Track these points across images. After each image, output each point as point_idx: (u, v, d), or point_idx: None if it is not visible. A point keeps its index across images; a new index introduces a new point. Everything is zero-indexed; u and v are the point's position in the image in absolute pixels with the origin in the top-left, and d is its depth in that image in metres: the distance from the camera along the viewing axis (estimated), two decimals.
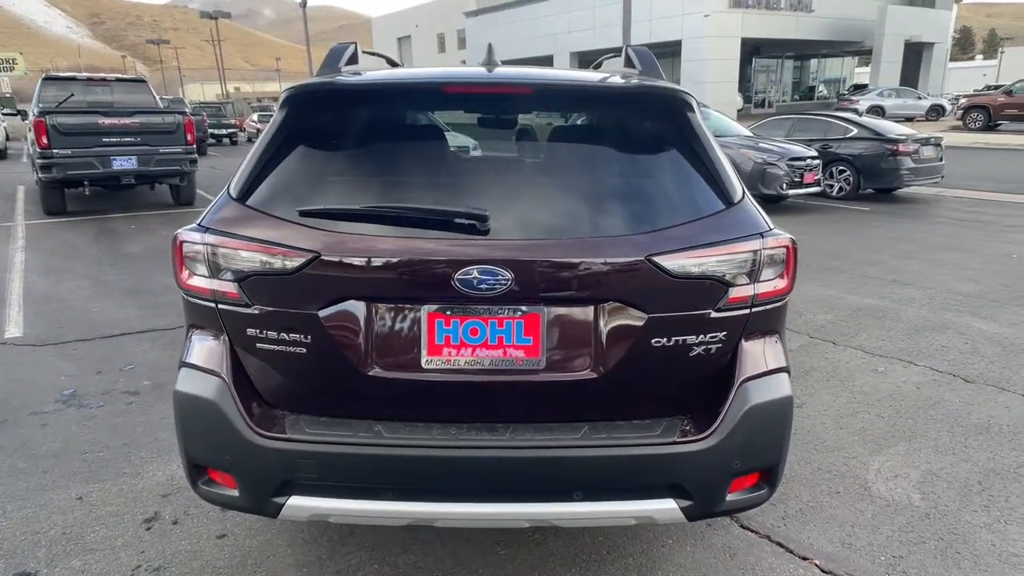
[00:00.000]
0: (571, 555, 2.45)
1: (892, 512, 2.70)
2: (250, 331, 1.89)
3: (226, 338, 1.93)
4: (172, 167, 10.11)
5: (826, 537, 2.55)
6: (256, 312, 1.87)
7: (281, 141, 2.01)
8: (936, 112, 27.53)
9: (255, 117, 33.00)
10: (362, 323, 1.86)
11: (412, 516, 1.89)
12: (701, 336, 1.92)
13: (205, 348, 1.95)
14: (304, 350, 1.87)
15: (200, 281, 1.92)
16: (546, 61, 40.84)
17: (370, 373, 1.88)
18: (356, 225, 1.85)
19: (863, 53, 40.08)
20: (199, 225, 1.95)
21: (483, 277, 1.79)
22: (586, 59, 39.57)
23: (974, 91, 29.98)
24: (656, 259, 1.83)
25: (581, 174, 2.04)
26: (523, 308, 1.86)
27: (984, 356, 4.30)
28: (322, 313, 1.84)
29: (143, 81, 12.85)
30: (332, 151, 2.06)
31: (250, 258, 1.85)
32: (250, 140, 28.87)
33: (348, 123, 2.07)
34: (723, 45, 29.56)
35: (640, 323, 1.86)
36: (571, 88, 2.16)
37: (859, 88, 35.70)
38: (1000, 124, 23.24)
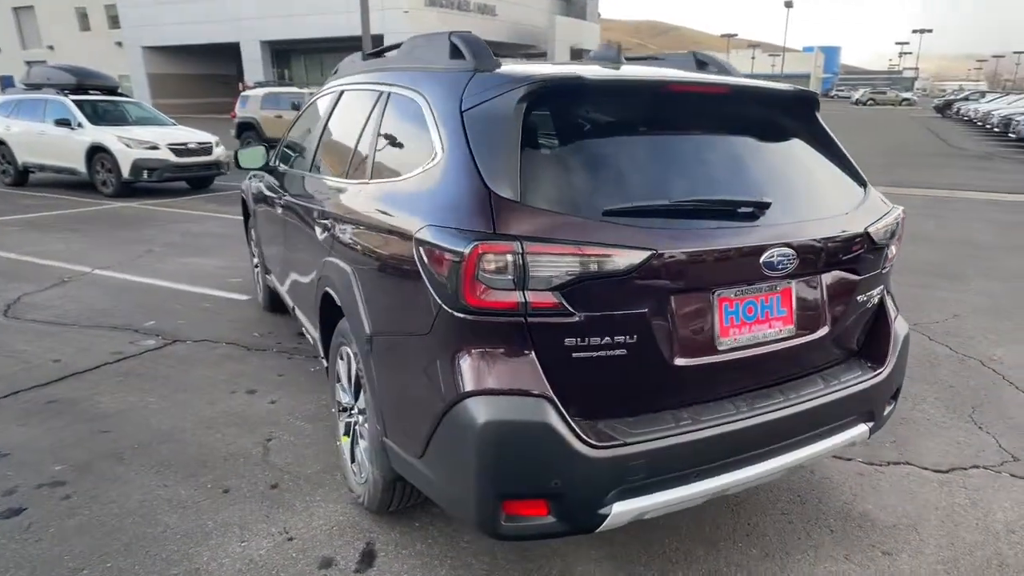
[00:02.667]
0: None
1: None
2: (568, 341, 1.78)
3: (534, 353, 1.77)
4: None
5: None
6: (579, 319, 1.77)
7: (533, 137, 1.89)
8: None
9: None
10: (672, 316, 1.89)
11: (715, 490, 2.00)
12: (875, 290, 2.36)
13: (509, 368, 1.77)
14: (625, 351, 1.84)
15: (497, 295, 1.73)
16: (230, 50, 37.65)
17: (677, 363, 1.92)
18: (663, 220, 1.87)
19: (539, 55, 45.07)
20: (481, 232, 1.74)
21: (780, 259, 1.97)
22: (280, 48, 37.50)
23: None
24: (869, 230, 2.21)
25: (787, 163, 2.30)
26: (782, 284, 2.07)
27: None
28: (647, 311, 1.83)
29: None
30: (589, 147, 2.00)
31: (577, 263, 1.74)
32: None
33: (595, 119, 2.02)
34: None
35: (854, 284, 2.23)
36: (756, 91, 2.37)
37: None
38: None
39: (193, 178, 11.98)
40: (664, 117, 2.13)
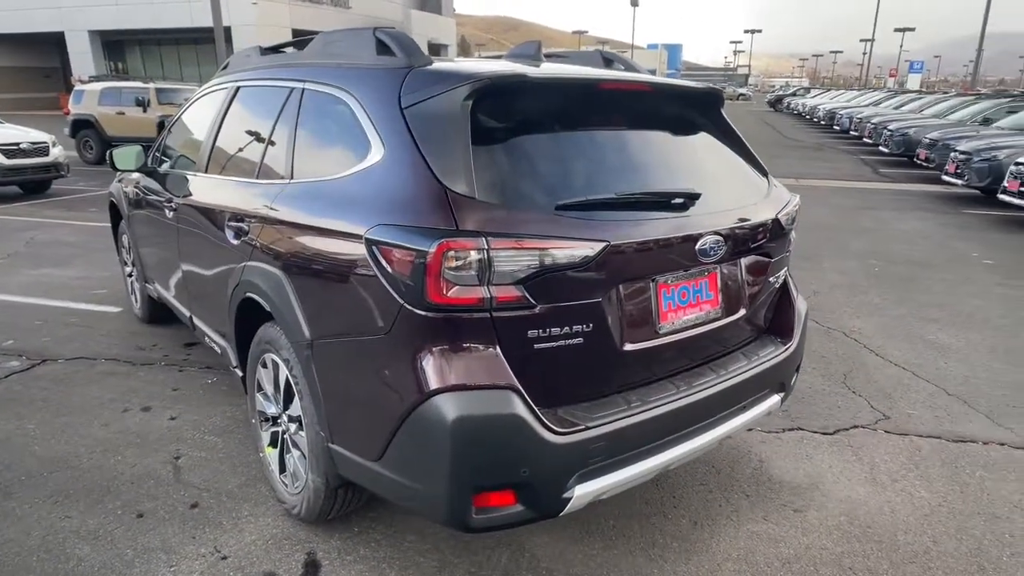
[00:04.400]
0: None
1: None
2: (531, 332, 1.83)
3: (499, 347, 1.81)
4: None
5: None
6: (539, 311, 1.82)
7: (480, 134, 1.92)
8: None
9: None
10: (620, 304, 2.00)
11: (662, 466, 2.13)
12: (781, 272, 2.62)
13: (476, 363, 1.79)
14: (581, 339, 1.92)
15: (461, 291, 1.75)
16: (53, 40, 33.96)
17: (625, 348, 2.03)
18: (611, 213, 1.96)
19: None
20: (444, 229, 1.75)
21: (712, 245, 2.13)
22: (112, 40, 34.25)
23: None
24: (779, 216, 2.44)
25: (704, 156, 2.47)
26: (709, 269, 2.24)
27: None
28: (601, 300, 1.92)
29: None
30: (534, 143, 2.04)
31: (538, 256, 1.79)
32: None
33: (537, 115, 2.07)
34: (274, 35, 29.14)
35: (767, 267, 2.46)
36: (674, 88, 2.51)
37: None
38: None
39: (27, 182, 10.73)
40: (598, 114, 2.23)
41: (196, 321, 3.41)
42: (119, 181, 4.78)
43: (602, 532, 2.57)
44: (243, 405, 3.55)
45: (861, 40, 73.82)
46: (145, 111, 14.76)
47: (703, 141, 2.51)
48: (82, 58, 32.60)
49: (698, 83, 2.59)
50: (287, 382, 2.43)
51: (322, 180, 2.28)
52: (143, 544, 2.46)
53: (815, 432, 3.37)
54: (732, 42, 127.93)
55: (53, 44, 34.56)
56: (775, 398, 2.57)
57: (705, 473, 2.99)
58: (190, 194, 3.23)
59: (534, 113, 2.07)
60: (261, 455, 2.79)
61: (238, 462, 3.01)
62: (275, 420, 2.65)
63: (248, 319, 2.65)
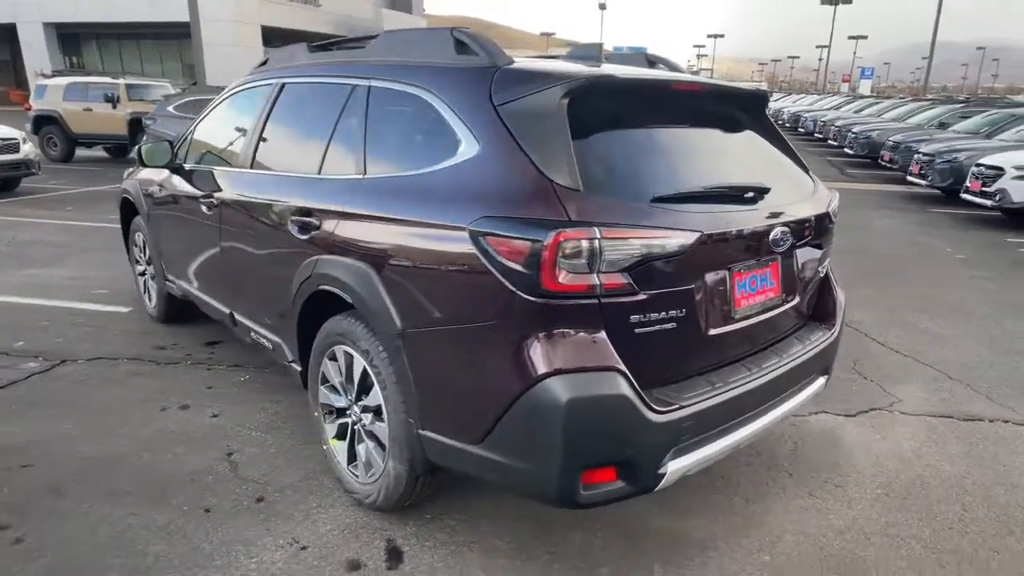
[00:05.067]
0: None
1: None
2: (633, 317, 1.94)
3: (605, 331, 1.91)
4: None
5: None
6: (642, 298, 1.93)
7: (576, 130, 2.02)
8: None
9: None
10: (706, 291, 2.12)
11: (736, 444, 2.26)
12: (826, 262, 2.78)
13: (585, 346, 1.89)
14: (674, 324, 2.04)
15: (574, 279, 1.85)
16: (3, 31, 32.73)
17: (710, 333, 2.15)
18: (698, 205, 2.09)
19: None
20: (556, 220, 1.84)
21: (782, 236, 2.27)
22: (68, 33, 33.16)
23: None
24: (828, 210, 2.60)
25: (761, 152, 2.61)
26: (773, 258, 2.39)
27: None
28: (693, 287, 2.03)
29: None
30: (624, 139, 2.15)
31: (643, 245, 1.90)
32: None
33: (623, 113, 2.18)
34: (244, 31, 28.72)
35: (818, 256, 2.62)
36: (728, 89, 2.64)
37: None
38: None
39: None
40: (671, 112, 2.35)
41: (239, 318, 3.42)
42: (132, 179, 4.72)
43: (668, 509, 2.68)
44: (283, 401, 3.57)
45: (817, 46, 75.99)
46: (115, 107, 14.39)
47: (755, 138, 2.65)
48: (35, 51, 31.46)
49: (747, 85, 2.73)
50: (363, 373, 2.48)
51: (403, 175, 2.34)
52: (218, 537, 2.48)
53: (838, 415, 3.56)
54: (695, 46, 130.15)
55: (3, 36, 33.25)
56: (821, 380, 2.73)
57: (747, 454, 3.13)
58: (235, 190, 3.24)
59: (620, 111, 2.18)
60: (324, 447, 2.83)
61: (293, 456, 3.04)
62: (343, 412, 2.70)
63: (314, 313, 2.69)
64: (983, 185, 9.69)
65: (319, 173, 2.75)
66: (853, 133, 16.86)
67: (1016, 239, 8.71)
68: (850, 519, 2.66)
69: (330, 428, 2.78)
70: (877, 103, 22.94)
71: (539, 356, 1.88)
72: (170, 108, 11.63)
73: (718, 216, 2.12)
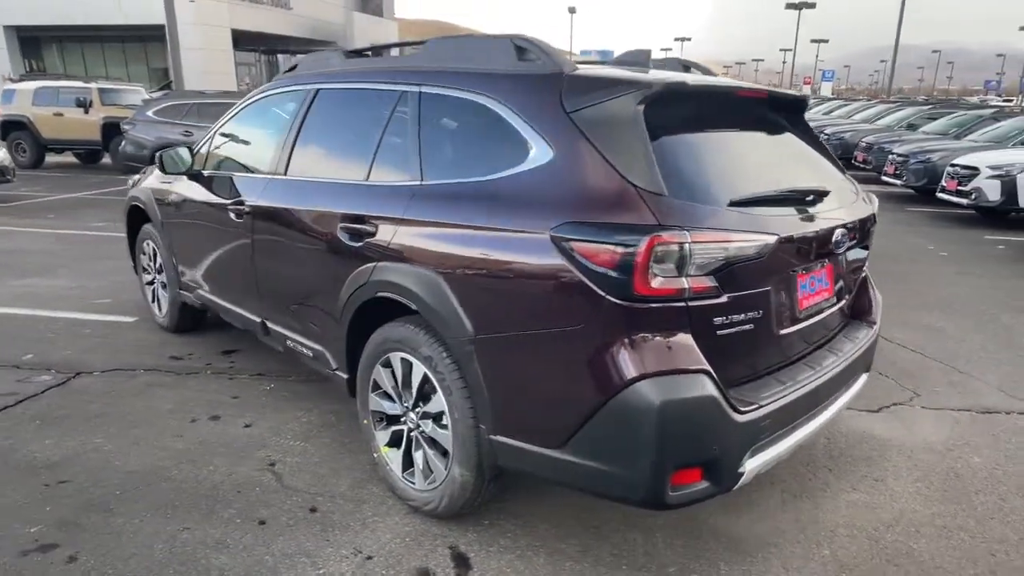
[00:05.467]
0: None
1: None
2: (716, 319, 1.98)
3: (691, 334, 1.94)
4: None
5: None
6: (724, 300, 1.97)
7: (653, 136, 2.05)
8: None
9: None
10: (778, 292, 2.17)
11: (800, 442, 2.31)
12: (866, 263, 2.85)
13: (674, 349, 1.92)
14: (752, 326, 2.07)
15: (664, 282, 1.88)
16: None
17: (780, 333, 2.20)
18: (770, 208, 2.13)
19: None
20: (647, 224, 1.87)
21: (842, 238, 2.33)
22: (28, 36, 32.17)
23: None
24: (874, 212, 2.67)
25: (809, 156, 2.67)
26: (827, 260, 2.45)
27: None
28: (768, 288, 2.08)
29: None
30: (696, 144, 2.19)
31: (726, 248, 1.94)
32: None
33: (691, 119, 2.22)
34: (214, 34, 28.17)
35: (864, 256, 2.69)
36: (776, 95, 2.69)
37: None
38: None
39: None
40: (732, 117, 2.42)
41: (273, 326, 3.37)
42: (137, 185, 4.63)
43: (720, 509, 2.72)
44: (314, 410, 3.54)
45: (781, 50, 77.51)
46: (87, 112, 14.06)
47: (800, 142, 2.72)
48: None
49: (791, 91, 2.81)
50: (423, 379, 2.47)
51: (466, 181, 2.35)
52: (279, 550, 2.45)
53: (863, 411, 3.65)
54: (663, 49, 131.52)
55: None
56: (864, 377, 2.80)
57: None
58: (268, 198, 3.20)
59: (690, 117, 2.22)
60: (375, 455, 2.81)
61: (336, 465, 3.01)
62: (396, 419, 2.68)
63: (367, 320, 2.67)
64: (959, 184, 10.00)
65: (367, 179, 2.74)
66: (825, 135, 17.24)
67: (992, 236, 9.01)
68: (897, 512, 2.74)
69: (382, 436, 2.76)
70: (845, 105, 23.49)
71: (630, 359, 1.90)
72: (150, 113, 11.40)
73: (789, 219, 2.18)
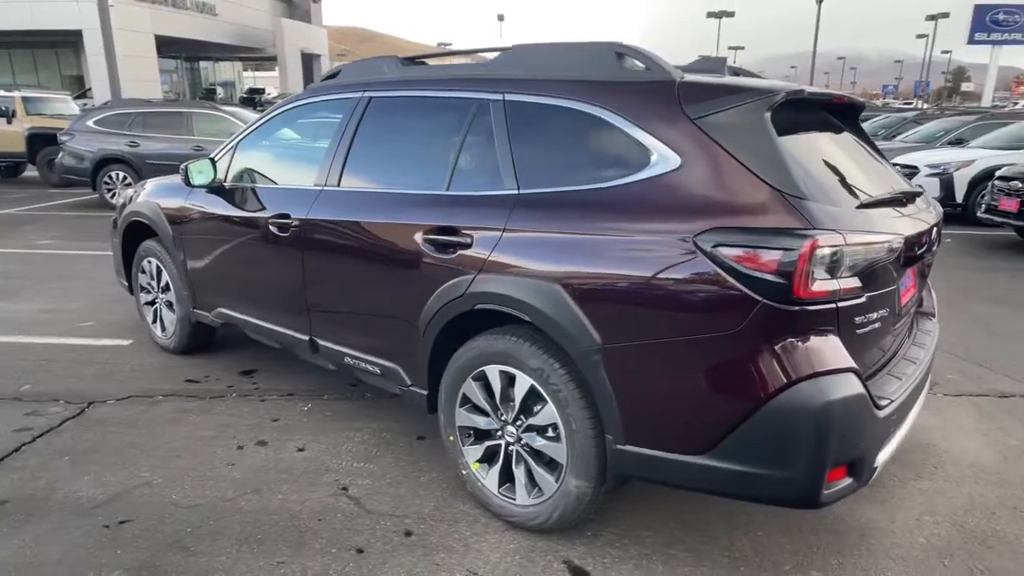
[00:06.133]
0: None
1: None
2: (857, 319, 2.03)
3: (839, 334, 1.98)
4: None
5: None
6: (864, 300, 2.02)
7: (784, 140, 2.09)
8: None
9: None
10: (896, 290, 2.24)
11: (904, 436, 2.38)
12: None
13: (827, 350, 1.96)
14: (879, 324, 2.15)
15: (821, 285, 1.92)
16: None
17: (892, 329, 2.28)
18: (886, 210, 2.21)
19: (266, 59, 42.27)
20: (802, 229, 1.90)
21: (935, 236, 2.44)
22: None
23: None
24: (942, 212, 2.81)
25: (877, 157, 2.76)
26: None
27: None
28: (893, 287, 2.15)
29: None
30: (809, 148, 2.24)
31: (868, 250, 1.99)
32: None
33: (804, 125, 2.27)
34: (136, 40, 26.79)
35: (932, 256, 2.81)
36: (852, 100, 2.77)
37: (256, 91, 37.86)
38: None
39: None
40: (831, 124, 2.49)
41: (326, 344, 3.22)
42: (137, 199, 4.35)
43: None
44: (364, 429, 3.42)
45: (700, 56, 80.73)
46: (10, 122, 13.14)
47: (867, 145, 2.82)
48: None
49: (854, 96, 2.91)
50: (529, 392, 2.42)
51: (575, 189, 2.31)
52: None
53: None
54: None
55: None
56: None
57: None
58: (323, 211, 3.06)
59: (800, 123, 2.27)
60: (463, 472, 2.73)
61: (412, 485, 2.91)
62: (487, 434, 2.62)
63: (454, 334, 2.61)
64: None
65: (447, 189, 2.67)
66: None
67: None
68: (967, 497, 2.87)
69: (472, 451, 2.69)
70: None
71: (788, 362, 1.91)
72: (90, 122, 10.74)
73: (899, 220, 2.25)
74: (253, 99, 32.40)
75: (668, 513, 2.71)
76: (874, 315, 2.10)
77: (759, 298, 1.92)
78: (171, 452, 3.18)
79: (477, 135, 2.65)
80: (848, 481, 2.05)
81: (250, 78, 49.32)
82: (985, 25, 28.86)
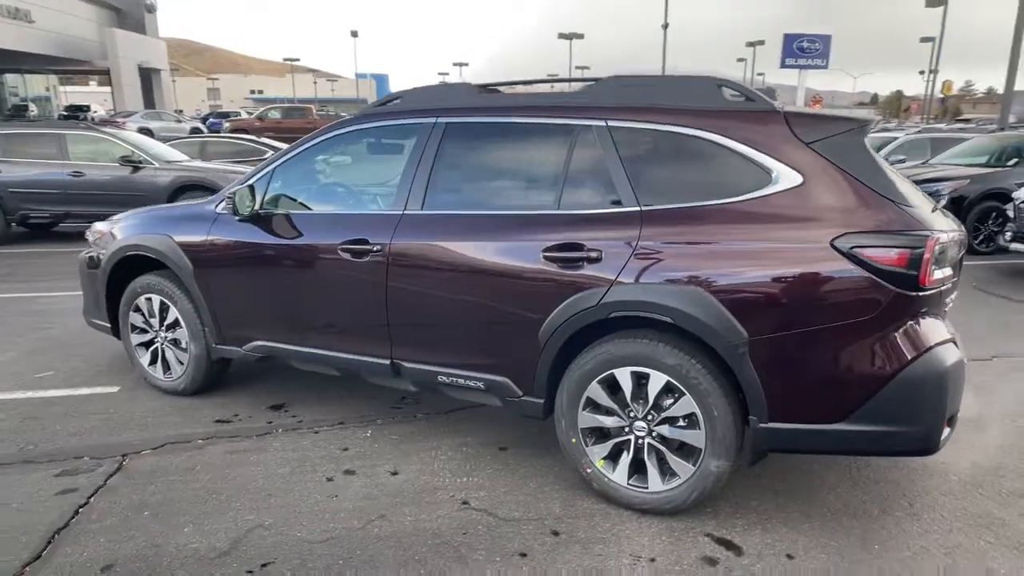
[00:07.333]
0: None
1: None
2: (946, 300, 2.55)
3: (938, 312, 2.49)
4: None
5: None
6: (950, 285, 2.55)
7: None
8: (198, 132, 29.43)
9: None
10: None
11: None
12: None
13: (938, 324, 2.49)
14: (951, 303, 2.68)
15: (936, 273, 2.41)
16: None
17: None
18: (937, 212, 2.73)
19: (92, 73, 38.12)
20: (920, 230, 2.36)
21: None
22: None
23: (232, 117, 32.70)
24: None
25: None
26: None
27: None
28: (953, 273, 2.68)
29: None
30: (874, 163, 2.69)
31: (945, 244, 2.47)
32: None
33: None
34: None
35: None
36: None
37: (80, 108, 34.50)
38: None
39: None
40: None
41: (413, 365, 3.25)
42: (141, 233, 4.05)
43: (885, 496, 3.28)
44: (441, 446, 3.50)
45: (549, 75, 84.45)
46: None
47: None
48: None
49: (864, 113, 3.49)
50: (664, 388, 2.69)
51: (705, 204, 2.63)
52: (568, 572, 2.51)
53: None
54: (440, 73, 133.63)
55: None
56: None
57: None
58: (412, 235, 3.11)
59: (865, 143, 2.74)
60: (588, 471, 2.93)
61: (529, 490, 3.06)
62: (611, 432, 2.85)
63: (575, 342, 2.82)
64: None
65: (558, 209, 2.88)
66: None
67: None
68: (995, 462, 3.36)
69: (597, 450, 2.90)
70: None
71: (919, 335, 2.39)
72: None
73: (948, 220, 2.80)
74: (76, 117, 29.35)
75: (762, 488, 3.07)
76: (951, 297, 2.63)
77: (893, 288, 2.35)
78: (261, 492, 3.07)
79: (582, 157, 2.88)
80: (948, 431, 2.54)
81: (73, 92, 44.24)
82: (793, 52, 33.05)
